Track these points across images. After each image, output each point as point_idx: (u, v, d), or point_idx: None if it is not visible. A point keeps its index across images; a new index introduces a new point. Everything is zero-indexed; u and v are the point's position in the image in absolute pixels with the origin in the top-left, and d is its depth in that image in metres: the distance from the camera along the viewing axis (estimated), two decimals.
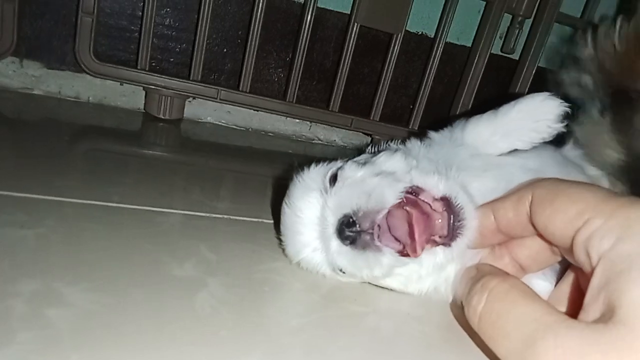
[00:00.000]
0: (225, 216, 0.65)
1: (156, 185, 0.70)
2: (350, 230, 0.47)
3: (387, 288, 0.53)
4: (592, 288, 0.36)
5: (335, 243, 0.48)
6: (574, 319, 0.36)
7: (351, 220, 0.47)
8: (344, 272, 0.50)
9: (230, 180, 0.86)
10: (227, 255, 0.55)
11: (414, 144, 0.59)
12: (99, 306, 0.40)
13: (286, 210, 0.52)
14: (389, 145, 0.60)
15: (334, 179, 0.51)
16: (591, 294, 0.36)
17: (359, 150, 0.61)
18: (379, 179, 0.49)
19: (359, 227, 0.47)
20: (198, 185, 0.75)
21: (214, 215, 0.64)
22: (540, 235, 0.45)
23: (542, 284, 0.51)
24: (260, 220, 0.66)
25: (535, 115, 0.56)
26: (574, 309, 0.38)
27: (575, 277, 0.46)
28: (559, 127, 0.56)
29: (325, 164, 0.54)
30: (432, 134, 0.61)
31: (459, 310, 0.51)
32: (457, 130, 0.59)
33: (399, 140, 0.61)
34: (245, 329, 0.42)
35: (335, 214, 0.48)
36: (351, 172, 0.50)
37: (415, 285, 0.53)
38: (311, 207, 0.50)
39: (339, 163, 0.53)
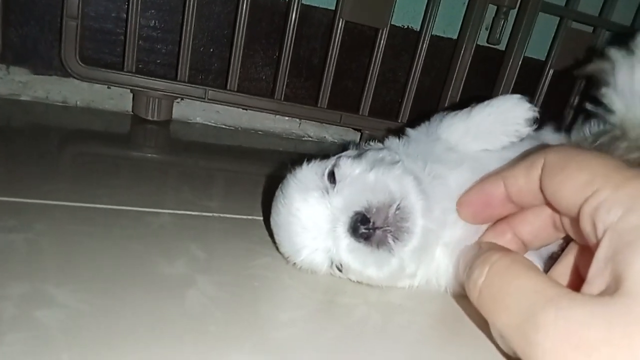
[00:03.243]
0: (216, 214, 0.65)
1: (146, 186, 0.71)
2: (365, 227, 0.47)
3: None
4: (598, 260, 0.35)
5: (346, 241, 0.48)
6: (577, 292, 0.35)
7: (365, 217, 0.48)
8: (341, 271, 0.51)
9: (220, 179, 0.86)
10: (218, 252, 0.55)
11: (392, 141, 0.60)
12: (88, 306, 0.40)
13: (282, 211, 0.52)
14: (370, 144, 0.60)
15: (331, 176, 0.51)
16: (596, 266, 0.35)
17: (343, 147, 0.61)
18: (376, 172, 0.50)
19: (373, 223, 0.48)
20: (188, 185, 0.75)
21: (205, 214, 0.64)
22: (549, 204, 0.44)
23: None
24: (250, 217, 0.67)
25: (506, 118, 0.57)
26: (573, 288, 0.37)
27: (575, 258, 0.46)
28: (528, 131, 0.57)
29: (317, 161, 0.54)
30: (409, 130, 0.62)
31: (450, 303, 0.52)
32: (433, 126, 0.60)
33: (377, 140, 0.62)
34: (235, 325, 0.42)
35: (346, 212, 0.48)
36: (348, 168, 0.51)
37: (406, 280, 0.53)
38: (310, 207, 0.50)
39: (331, 160, 0.53)
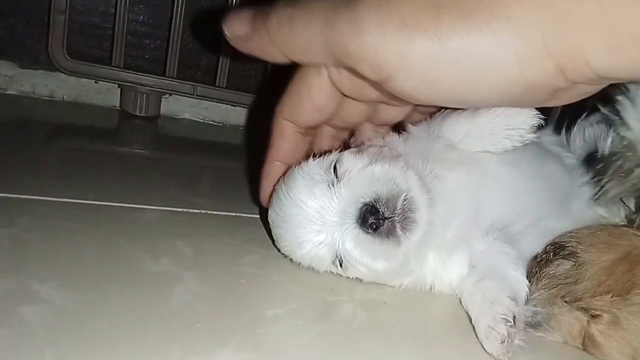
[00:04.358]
0: (203, 211, 0.65)
1: (133, 182, 0.70)
2: (374, 217, 0.48)
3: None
4: None
5: (355, 232, 0.48)
6: None
7: (374, 207, 0.48)
8: (342, 266, 0.50)
9: (208, 176, 0.86)
10: (204, 249, 0.55)
11: (392, 137, 0.60)
12: (73, 303, 0.40)
13: (285, 203, 0.51)
14: (370, 139, 0.60)
15: (335, 171, 0.51)
16: None
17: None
18: (382, 165, 0.50)
19: (382, 214, 0.48)
20: (176, 181, 0.75)
21: (192, 211, 0.64)
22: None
23: (514, 274, 0.52)
24: (238, 214, 0.67)
25: (510, 123, 0.55)
26: None
27: None
28: (531, 137, 0.55)
29: (321, 156, 0.54)
30: (410, 127, 0.61)
31: (434, 301, 0.52)
32: (435, 123, 0.59)
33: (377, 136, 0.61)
34: (221, 321, 0.42)
35: (355, 204, 0.48)
36: (351, 163, 0.51)
37: (402, 277, 0.53)
38: (316, 200, 0.50)
39: (334, 155, 0.53)
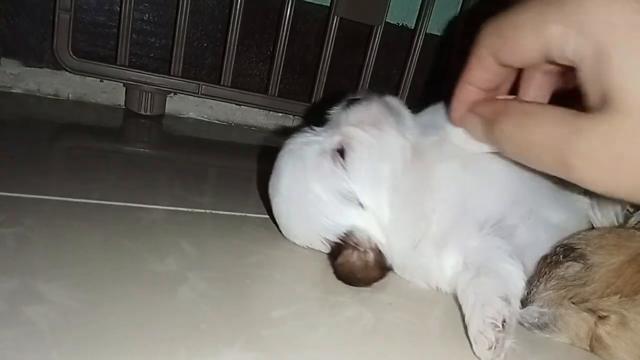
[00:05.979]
0: (208, 211, 0.65)
1: (138, 181, 0.70)
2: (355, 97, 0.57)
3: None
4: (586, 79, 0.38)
5: (345, 113, 0.56)
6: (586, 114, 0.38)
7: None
8: (345, 157, 0.53)
9: (213, 175, 0.86)
10: (209, 249, 0.55)
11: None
12: (78, 303, 0.40)
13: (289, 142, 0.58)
14: None
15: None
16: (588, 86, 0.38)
17: None
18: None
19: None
20: (180, 180, 0.75)
21: (197, 210, 0.64)
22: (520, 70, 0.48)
23: (509, 268, 0.51)
24: (243, 214, 0.66)
25: None
26: None
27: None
28: None
29: None
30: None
31: (441, 302, 0.52)
32: (439, 115, 0.58)
33: None
34: (226, 322, 0.42)
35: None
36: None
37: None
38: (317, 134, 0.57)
39: None
